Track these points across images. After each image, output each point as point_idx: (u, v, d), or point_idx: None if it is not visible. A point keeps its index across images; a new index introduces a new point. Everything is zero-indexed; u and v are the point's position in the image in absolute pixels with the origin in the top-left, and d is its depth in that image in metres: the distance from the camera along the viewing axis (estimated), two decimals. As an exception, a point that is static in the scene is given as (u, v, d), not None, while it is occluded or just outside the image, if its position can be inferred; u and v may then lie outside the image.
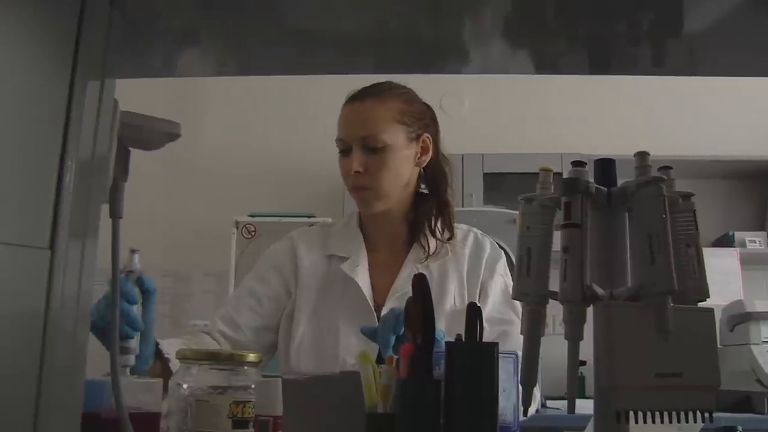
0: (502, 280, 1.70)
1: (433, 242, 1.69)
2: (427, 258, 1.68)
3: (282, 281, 1.71)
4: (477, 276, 1.69)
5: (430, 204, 1.72)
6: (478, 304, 1.61)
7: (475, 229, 1.77)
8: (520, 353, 1.59)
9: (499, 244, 1.82)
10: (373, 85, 1.67)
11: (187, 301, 4.13)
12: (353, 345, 1.58)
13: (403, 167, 1.65)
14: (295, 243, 1.75)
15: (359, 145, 1.62)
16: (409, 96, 1.68)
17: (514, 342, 1.60)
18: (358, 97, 1.66)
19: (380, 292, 1.67)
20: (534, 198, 0.89)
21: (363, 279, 1.67)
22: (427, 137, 1.69)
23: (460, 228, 1.74)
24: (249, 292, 1.70)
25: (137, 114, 0.90)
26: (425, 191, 1.75)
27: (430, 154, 1.70)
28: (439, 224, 1.71)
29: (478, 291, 1.68)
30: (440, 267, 1.68)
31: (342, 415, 0.93)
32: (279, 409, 1.01)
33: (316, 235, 1.77)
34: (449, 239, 1.70)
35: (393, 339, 1.32)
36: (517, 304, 1.63)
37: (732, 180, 4.04)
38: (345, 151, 1.65)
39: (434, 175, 1.74)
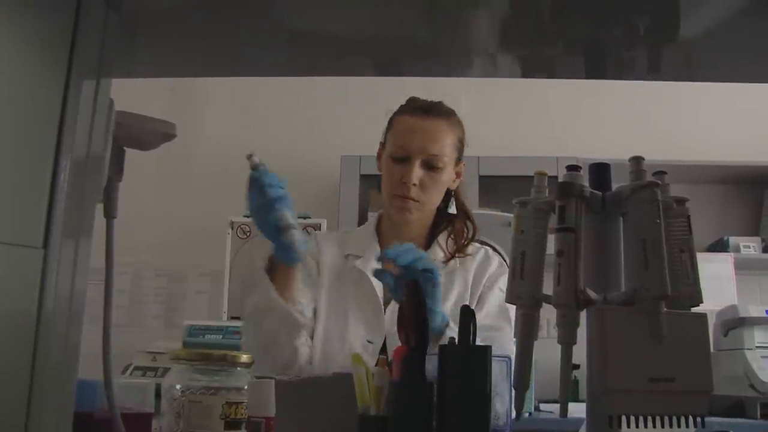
0: (501, 294, 1.76)
1: (443, 253, 1.77)
2: (438, 265, 1.73)
3: (315, 265, 1.78)
4: (478, 285, 1.76)
5: (454, 221, 1.81)
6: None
7: (487, 247, 1.85)
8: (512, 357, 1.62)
9: (494, 248, 1.84)
10: (438, 104, 1.75)
11: (181, 302, 4.12)
12: (360, 335, 1.66)
13: (445, 187, 1.75)
14: (318, 239, 1.84)
15: (419, 160, 1.68)
16: (462, 124, 1.79)
17: (499, 348, 1.63)
18: (426, 113, 1.72)
19: (389, 293, 1.71)
20: (529, 201, 0.89)
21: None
22: (463, 164, 1.80)
23: (472, 245, 1.81)
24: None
25: (133, 114, 0.89)
26: (453, 212, 1.84)
27: (461, 179, 1.81)
28: (452, 240, 1.79)
29: (476, 299, 1.74)
30: (448, 275, 1.74)
31: (334, 416, 0.92)
32: (271, 410, 1.01)
33: (335, 237, 1.87)
34: (461, 256, 1.77)
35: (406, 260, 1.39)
36: (512, 316, 1.67)
37: (726, 185, 4.05)
38: (402, 160, 1.70)
39: (457, 197, 1.84)
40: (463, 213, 1.82)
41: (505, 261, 1.90)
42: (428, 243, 1.79)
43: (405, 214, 1.71)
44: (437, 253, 1.76)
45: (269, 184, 1.42)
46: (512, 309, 1.71)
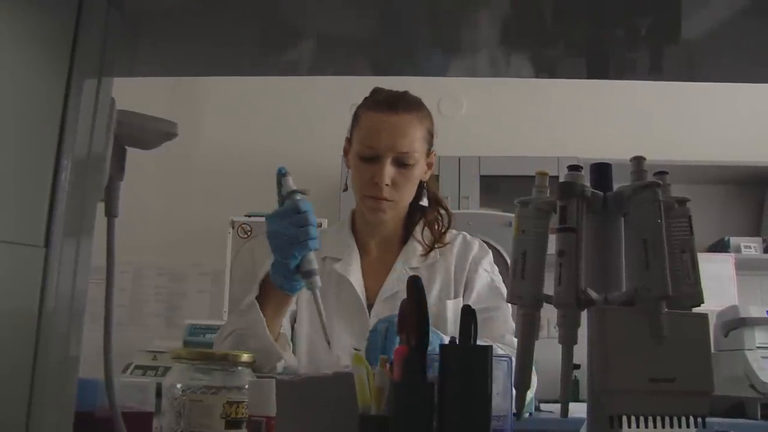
0: (486, 274, 1.74)
1: (422, 246, 1.73)
2: (417, 259, 1.73)
3: None
4: (463, 271, 1.72)
5: (426, 213, 1.77)
6: (467, 303, 1.65)
7: (464, 233, 1.81)
8: (508, 336, 1.60)
9: (495, 247, 1.83)
10: (404, 96, 1.66)
11: (182, 300, 4.13)
12: (345, 342, 1.61)
13: (417, 181, 1.69)
14: None
15: (390, 158, 1.61)
16: (430, 114, 1.71)
17: (501, 325, 1.62)
18: (392, 108, 1.63)
19: (371, 293, 1.71)
20: (530, 201, 0.89)
21: (355, 278, 1.71)
22: (434, 154, 1.73)
23: (450, 232, 1.78)
24: None
25: (134, 113, 0.89)
26: (424, 204, 1.79)
27: (432, 170, 1.75)
28: (429, 232, 1.75)
29: (463, 286, 1.71)
30: (429, 268, 1.72)
31: (335, 416, 0.92)
32: (272, 409, 1.01)
33: None
34: (440, 246, 1.74)
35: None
36: (503, 294, 1.66)
37: (728, 185, 4.05)
38: (371, 159, 1.62)
39: (429, 187, 1.79)
40: (436, 203, 1.77)
41: (503, 256, 1.89)
42: (405, 238, 1.75)
43: (379, 214, 1.66)
44: (416, 247, 1.73)
45: (312, 223, 1.38)
46: (502, 286, 1.70)
